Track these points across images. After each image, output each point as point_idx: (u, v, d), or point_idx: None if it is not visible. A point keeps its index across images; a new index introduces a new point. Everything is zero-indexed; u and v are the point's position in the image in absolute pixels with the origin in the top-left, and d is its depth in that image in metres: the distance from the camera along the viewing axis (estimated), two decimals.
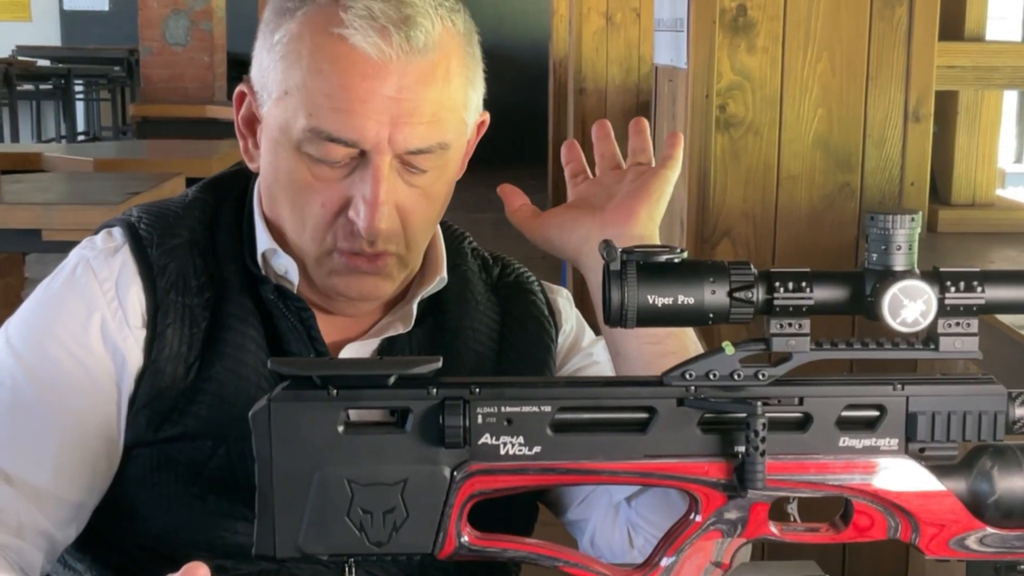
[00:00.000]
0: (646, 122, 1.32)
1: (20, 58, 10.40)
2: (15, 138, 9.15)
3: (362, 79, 1.14)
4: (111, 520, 1.22)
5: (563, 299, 1.39)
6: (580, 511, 1.32)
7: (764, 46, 2.33)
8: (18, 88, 9.40)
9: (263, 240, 1.25)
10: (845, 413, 0.97)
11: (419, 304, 1.28)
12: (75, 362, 1.19)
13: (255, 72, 1.23)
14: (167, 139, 6.48)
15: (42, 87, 10.51)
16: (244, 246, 1.26)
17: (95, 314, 1.20)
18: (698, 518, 0.97)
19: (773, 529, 0.98)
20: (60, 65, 10.49)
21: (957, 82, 2.46)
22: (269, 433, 0.95)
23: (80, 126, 10.96)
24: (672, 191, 1.28)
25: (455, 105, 1.20)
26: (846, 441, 0.96)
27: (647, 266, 0.94)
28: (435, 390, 0.95)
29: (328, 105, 1.15)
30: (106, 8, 13.08)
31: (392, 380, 0.95)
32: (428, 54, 1.15)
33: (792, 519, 0.99)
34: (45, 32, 12.79)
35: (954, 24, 2.52)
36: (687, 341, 1.20)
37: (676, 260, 0.94)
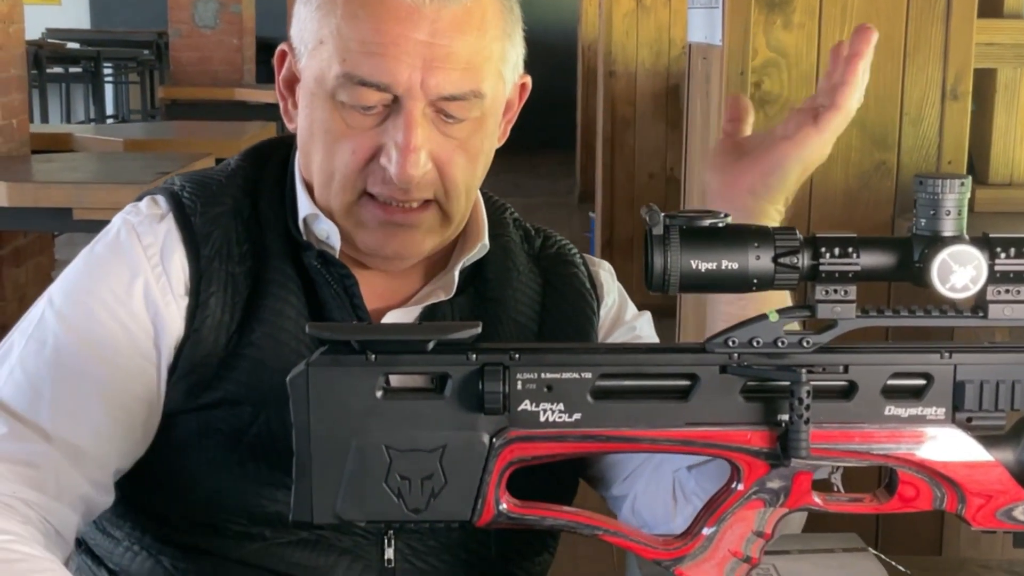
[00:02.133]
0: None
1: (50, 41, 10.43)
2: (44, 120, 9.18)
3: (395, 23, 1.14)
4: (150, 487, 1.22)
5: (605, 272, 1.38)
6: (625, 486, 1.31)
7: (800, 22, 2.30)
8: (48, 71, 9.43)
9: (304, 206, 1.24)
10: (891, 381, 0.95)
11: (461, 273, 1.27)
12: (118, 324, 1.18)
13: (294, 29, 1.23)
14: (196, 121, 6.50)
15: (71, 70, 10.54)
16: (287, 214, 1.25)
17: (138, 278, 1.20)
18: (740, 487, 0.96)
19: (816, 499, 0.97)
20: (90, 48, 10.52)
21: (996, 60, 2.42)
22: (307, 398, 0.94)
23: (109, 109, 10.99)
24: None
25: (491, 55, 1.19)
26: (892, 410, 0.95)
27: (690, 231, 0.92)
28: (474, 356, 0.94)
29: (361, 50, 1.15)
30: None
31: (431, 345, 0.94)
32: (462, 1, 1.15)
33: (835, 489, 0.98)
34: (74, 15, 12.83)
35: (993, 1, 2.48)
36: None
37: (720, 225, 0.93)
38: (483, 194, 1.33)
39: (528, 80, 1.29)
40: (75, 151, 4.80)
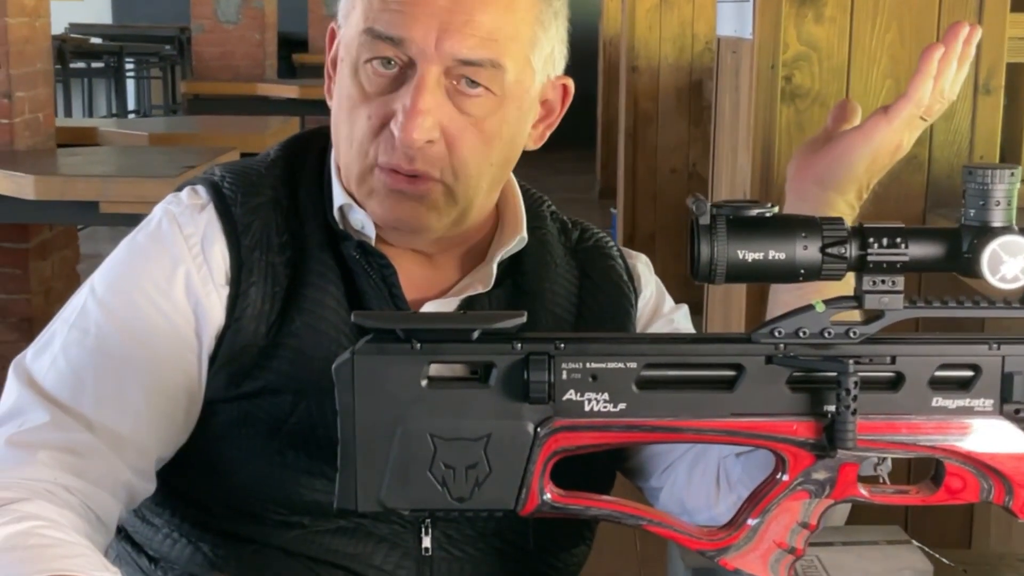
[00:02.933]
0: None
1: (72, 35, 10.47)
2: (68, 115, 9.22)
3: None
4: (191, 475, 1.22)
5: (642, 264, 1.37)
6: (664, 477, 1.30)
7: (832, 16, 2.29)
8: (71, 66, 9.46)
9: (339, 195, 1.24)
10: (939, 373, 0.95)
11: (499, 265, 1.27)
12: (159, 313, 1.19)
13: (339, 5, 1.24)
14: (218, 115, 6.51)
15: (94, 65, 10.58)
16: (326, 203, 1.25)
17: (180, 267, 1.20)
18: (785, 478, 0.96)
19: (862, 491, 0.96)
20: (112, 43, 10.56)
21: None
22: (352, 386, 0.94)
23: (130, 104, 11.03)
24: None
25: (516, 35, 1.18)
26: (939, 401, 0.95)
27: (737, 220, 0.92)
28: (519, 345, 0.94)
29: (382, 7, 1.17)
30: None
31: (476, 335, 0.94)
32: None
33: (881, 480, 0.98)
34: (96, 10, 12.87)
35: None
36: None
37: (767, 215, 0.93)
38: (521, 186, 1.33)
39: (570, 83, 1.27)
40: (100, 145, 4.81)
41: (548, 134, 1.29)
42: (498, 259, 1.27)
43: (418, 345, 0.94)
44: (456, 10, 1.15)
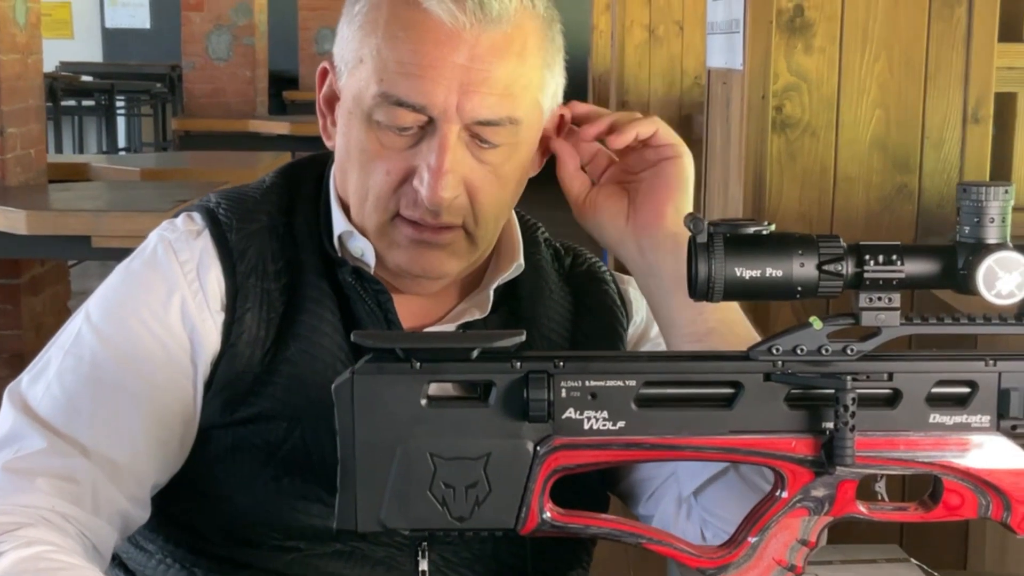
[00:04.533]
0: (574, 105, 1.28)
1: (63, 73, 10.50)
2: (59, 152, 9.24)
3: (434, 45, 1.14)
4: (185, 501, 1.22)
5: (634, 289, 1.38)
6: (649, 506, 1.31)
7: (821, 46, 2.32)
8: (62, 103, 9.49)
9: (339, 223, 1.25)
10: (936, 389, 0.95)
11: (494, 292, 1.28)
12: (154, 339, 1.19)
13: (337, 47, 1.24)
14: (210, 151, 6.53)
15: (84, 103, 10.61)
16: (322, 230, 1.26)
17: (176, 293, 1.20)
18: (784, 495, 0.96)
19: (861, 508, 0.97)
20: (103, 80, 10.59)
21: (1016, 84, 2.44)
22: (352, 406, 0.94)
23: (121, 142, 11.05)
24: (694, 178, 1.26)
25: (529, 83, 1.19)
26: (936, 418, 0.95)
27: (734, 238, 0.93)
28: (519, 364, 0.94)
29: (399, 70, 1.16)
30: (147, 26, 13.22)
31: (475, 354, 0.94)
32: (502, 25, 1.15)
33: (880, 498, 0.98)
34: (87, 49, 12.92)
35: (1014, 25, 2.50)
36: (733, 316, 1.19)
37: (764, 232, 0.93)
38: (516, 214, 1.34)
39: (568, 113, 1.29)
40: (91, 181, 4.82)
41: (545, 159, 1.30)
42: (495, 285, 1.28)
43: (418, 364, 0.94)
44: (473, 68, 1.15)
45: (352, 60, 1.20)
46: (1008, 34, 2.43)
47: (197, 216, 1.26)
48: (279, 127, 7.17)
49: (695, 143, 5.30)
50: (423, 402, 0.94)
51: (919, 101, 2.33)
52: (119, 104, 10.84)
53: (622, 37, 6.00)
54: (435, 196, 1.16)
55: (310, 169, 1.32)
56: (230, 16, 8.19)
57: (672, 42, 5.89)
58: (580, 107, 1.28)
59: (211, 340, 1.20)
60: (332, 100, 1.26)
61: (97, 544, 1.13)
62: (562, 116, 1.28)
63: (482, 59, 1.15)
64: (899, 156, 2.35)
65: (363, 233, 1.23)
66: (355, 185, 1.22)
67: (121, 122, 11.32)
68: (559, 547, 1.28)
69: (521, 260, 1.29)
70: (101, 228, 3.66)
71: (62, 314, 4.69)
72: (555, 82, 1.24)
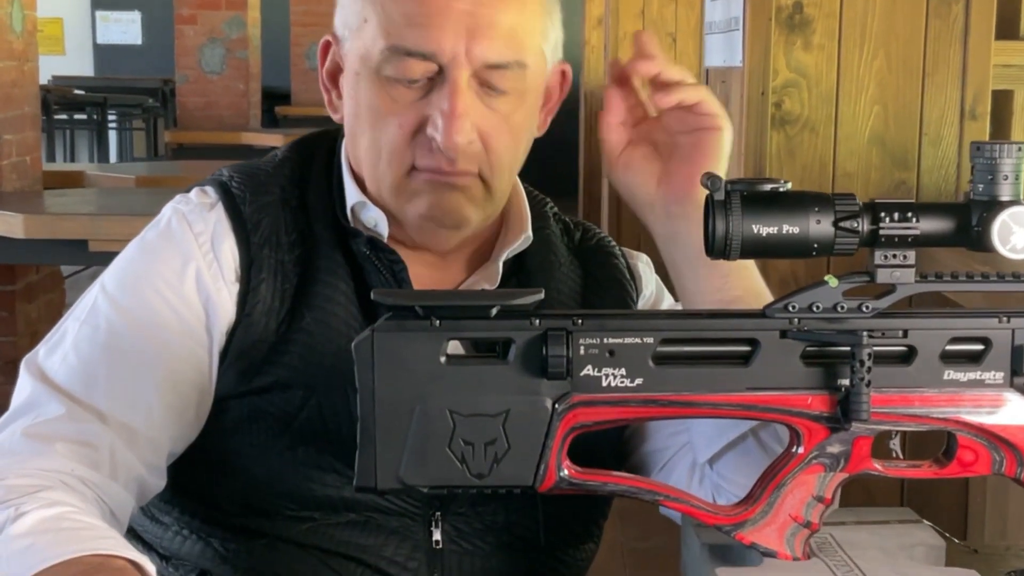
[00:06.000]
0: (648, 35, 1.24)
1: (56, 86, 10.50)
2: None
3: None
4: (201, 472, 1.22)
5: (643, 264, 1.39)
6: (662, 476, 1.31)
7: (820, 43, 2.33)
8: (55, 117, 9.49)
9: (352, 194, 1.26)
10: (950, 346, 0.96)
11: (504, 264, 1.28)
12: (170, 309, 1.20)
13: (337, 17, 1.26)
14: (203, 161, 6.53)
15: (76, 116, 10.61)
16: (335, 203, 1.27)
17: (190, 264, 1.21)
18: (800, 451, 0.97)
19: (876, 465, 0.97)
20: (97, 94, 10.60)
21: (1014, 81, 2.46)
22: (372, 363, 0.95)
23: (112, 156, 11.05)
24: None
25: (532, 30, 1.21)
26: (951, 374, 0.96)
27: (751, 196, 0.94)
28: (537, 321, 0.95)
29: (405, 22, 1.17)
30: (139, 42, 13.23)
31: (495, 311, 0.95)
32: None
33: (895, 455, 0.99)
34: (79, 65, 12.92)
35: (1011, 22, 2.52)
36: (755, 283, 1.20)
37: (781, 190, 0.95)
38: (524, 188, 1.35)
39: (568, 69, 1.30)
40: (87, 188, 4.82)
41: (549, 120, 1.31)
42: (504, 257, 1.28)
43: (437, 322, 0.95)
44: (478, 13, 1.17)
45: (356, 22, 1.22)
46: (1005, 31, 2.45)
47: (210, 189, 1.27)
48: (272, 139, 7.15)
49: None
50: (442, 359, 0.95)
51: (917, 98, 2.35)
52: (111, 118, 10.84)
53: (615, 51, 6.02)
54: (450, 140, 1.17)
55: (321, 142, 1.33)
56: (223, 29, 8.21)
57: (666, 54, 5.90)
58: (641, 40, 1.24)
59: (226, 310, 1.21)
60: (335, 74, 1.28)
61: (114, 509, 1.13)
62: (563, 72, 1.30)
63: (485, 4, 1.17)
64: (897, 152, 2.36)
65: (378, 200, 1.24)
66: (367, 145, 1.23)
67: (113, 136, 11.31)
68: (572, 520, 1.28)
69: (529, 232, 1.30)
70: (98, 232, 3.65)
71: (56, 321, 4.69)
72: (555, 33, 1.26)
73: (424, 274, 1.27)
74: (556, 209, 1.39)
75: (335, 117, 1.29)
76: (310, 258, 1.23)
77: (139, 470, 1.15)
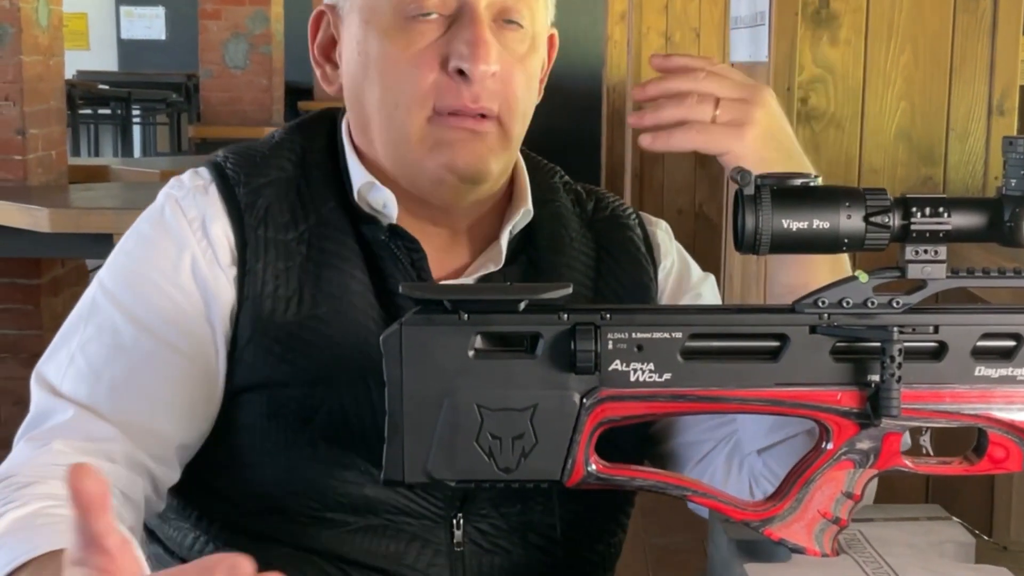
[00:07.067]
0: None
1: (81, 81, 10.55)
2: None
3: None
4: (219, 469, 1.21)
5: (662, 231, 1.36)
6: (698, 470, 1.29)
7: (847, 38, 2.33)
8: (79, 112, 9.53)
9: (358, 175, 1.24)
10: (981, 342, 0.96)
11: (512, 242, 1.27)
12: (168, 301, 1.18)
13: None
14: None
15: (101, 111, 10.66)
16: (343, 185, 1.25)
17: (185, 252, 1.19)
18: (830, 447, 0.97)
19: (906, 461, 0.97)
20: (121, 88, 10.64)
21: None
22: (400, 357, 0.95)
23: (136, 151, 11.10)
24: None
25: None
26: (982, 371, 0.96)
27: (782, 190, 0.94)
28: (566, 316, 0.95)
29: None
30: (163, 37, 13.27)
31: (523, 305, 0.95)
32: None
33: (924, 451, 0.98)
34: (103, 60, 12.97)
35: None
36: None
37: (811, 184, 0.94)
38: (528, 158, 1.32)
39: (556, 35, 1.30)
40: (111, 182, 4.84)
41: (542, 89, 1.30)
42: (506, 235, 1.26)
43: (465, 316, 0.95)
44: None
45: None
46: None
47: (204, 171, 1.25)
48: None
49: None
50: (470, 353, 0.95)
51: (944, 93, 2.34)
52: (135, 113, 10.88)
53: (639, 45, 6.01)
54: (479, 66, 1.16)
55: (320, 123, 1.31)
56: (247, 25, 8.23)
57: (689, 49, 5.89)
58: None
59: (225, 296, 1.19)
60: (328, 47, 1.27)
61: (124, 490, 1.12)
62: (552, 37, 1.29)
63: None
64: (924, 148, 2.35)
65: (387, 172, 1.22)
66: (379, 99, 1.21)
67: (136, 131, 11.36)
68: (594, 516, 1.27)
69: (530, 205, 1.27)
70: (123, 226, 3.62)
71: None
72: None
73: (433, 257, 1.25)
74: (567, 178, 1.36)
75: (330, 89, 1.28)
76: (316, 241, 1.21)
77: (143, 459, 1.15)
